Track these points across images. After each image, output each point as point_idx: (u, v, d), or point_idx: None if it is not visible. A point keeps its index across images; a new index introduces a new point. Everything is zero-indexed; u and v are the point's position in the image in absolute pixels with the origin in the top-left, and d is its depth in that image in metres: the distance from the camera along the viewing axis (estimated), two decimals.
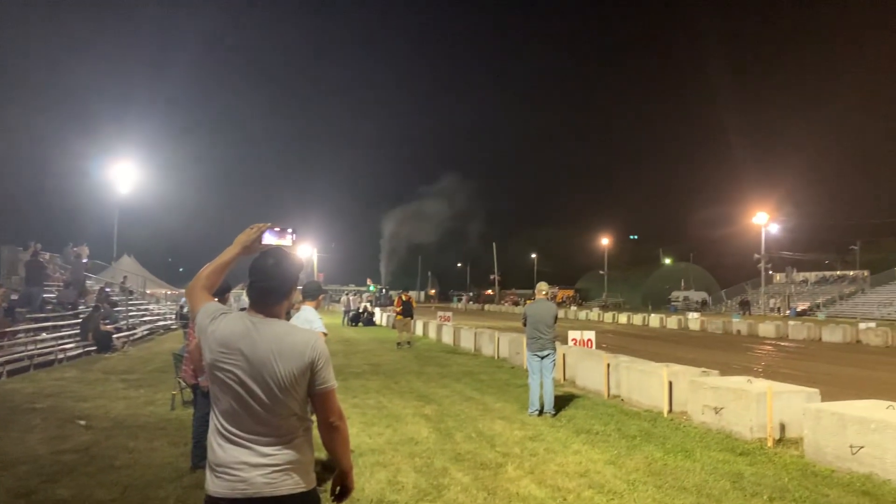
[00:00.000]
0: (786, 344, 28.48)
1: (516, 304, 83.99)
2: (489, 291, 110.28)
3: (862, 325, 30.46)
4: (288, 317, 3.09)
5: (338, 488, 2.83)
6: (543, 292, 10.51)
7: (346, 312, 37.94)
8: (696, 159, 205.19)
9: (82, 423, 8.86)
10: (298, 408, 2.64)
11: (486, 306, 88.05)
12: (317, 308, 6.30)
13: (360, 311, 38.42)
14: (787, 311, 60.46)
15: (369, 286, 71.58)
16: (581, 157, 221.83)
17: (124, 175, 32.05)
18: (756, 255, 65.36)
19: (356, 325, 35.77)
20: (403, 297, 23.57)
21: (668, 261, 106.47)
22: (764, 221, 64.57)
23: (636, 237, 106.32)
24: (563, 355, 13.67)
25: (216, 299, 2.95)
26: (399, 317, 23.12)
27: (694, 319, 41.60)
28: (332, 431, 2.71)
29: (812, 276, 77.99)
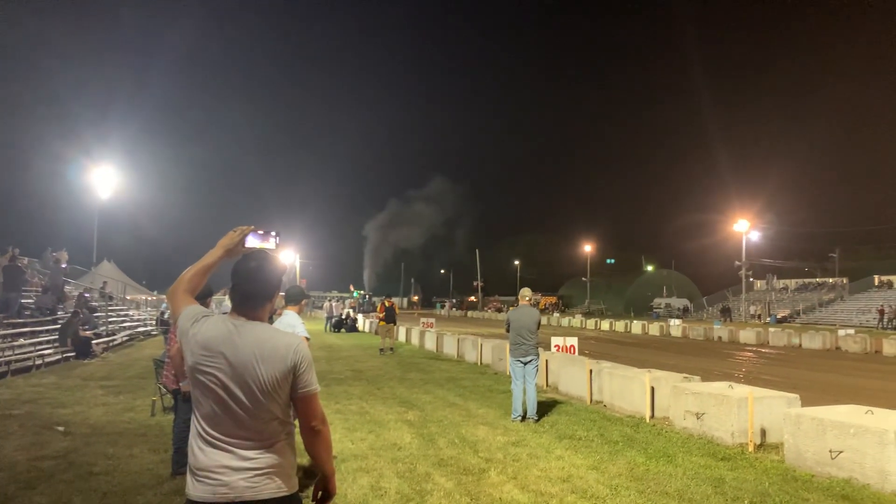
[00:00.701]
0: (766, 350, 28.72)
1: (499, 310, 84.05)
2: (472, 298, 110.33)
3: (841, 332, 30.79)
4: (270, 321, 3.08)
5: (320, 493, 2.82)
6: (527, 298, 10.54)
7: (329, 318, 37.80)
8: (678, 168, 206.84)
9: (61, 429, 8.74)
10: (281, 412, 2.62)
11: (469, 313, 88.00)
12: (299, 313, 6.28)
13: (343, 317, 38.31)
14: (768, 318, 61.03)
15: (352, 292, 71.44)
16: (564, 165, 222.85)
17: (104, 179, 31.76)
18: (737, 263, 65.91)
19: (339, 332, 35.65)
20: (386, 303, 23.50)
21: (650, 268, 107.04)
22: (745, 229, 65.20)
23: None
24: (546, 361, 13.69)
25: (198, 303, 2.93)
26: (382, 323, 23.05)
27: (676, 326, 41.85)
28: (315, 435, 2.69)
29: (792, 283, 78.91)
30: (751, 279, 73.78)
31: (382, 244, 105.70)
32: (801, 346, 30.69)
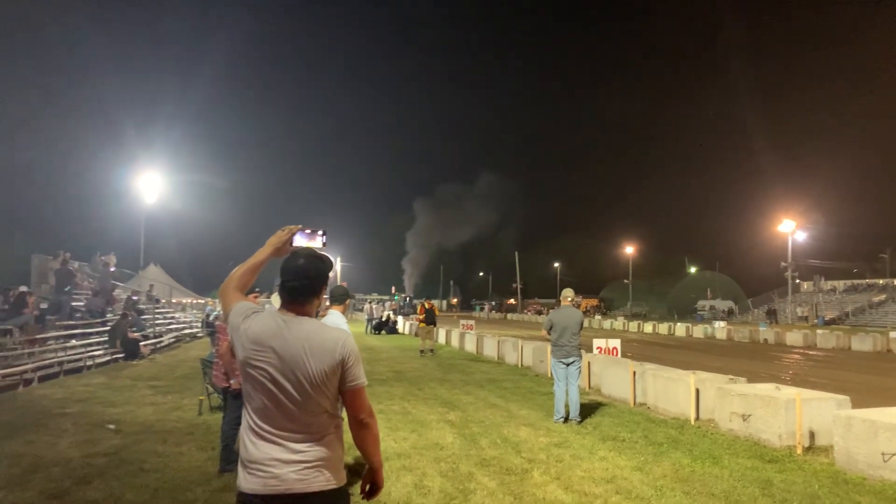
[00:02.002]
0: (814, 353, 28.08)
1: (539, 312, 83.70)
2: (511, 300, 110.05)
3: (893, 334, 29.91)
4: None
5: (367, 485, 2.86)
6: (569, 299, 10.44)
7: (370, 320, 38.09)
8: (723, 168, 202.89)
9: (112, 427, 8.97)
10: (329, 405, 2.67)
11: (509, 315, 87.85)
12: (344, 312, 6.34)
13: (384, 319, 38.59)
14: (815, 320, 59.60)
15: (393, 294, 71.84)
16: (606, 166, 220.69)
17: (150, 184, 32.47)
18: (783, 264, 64.49)
19: (379, 333, 35.89)
20: (426, 305, 23.60)
21: (693, 270, 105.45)
22: (790, 229, 63.75)
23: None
24: (589, 363, 13.60)
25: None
26: (422, 325, 23.14)
27: (720, 328, 41.17)
28: (363, 428, 2.74)
29: (840, 284, 76.89)
30: (797, 280, 72.17)
31: (424, 245, 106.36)
32: (850, 348, 29.94)
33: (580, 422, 9.69)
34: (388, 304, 56.91)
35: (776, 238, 68.57)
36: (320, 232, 3.13)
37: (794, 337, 33.66)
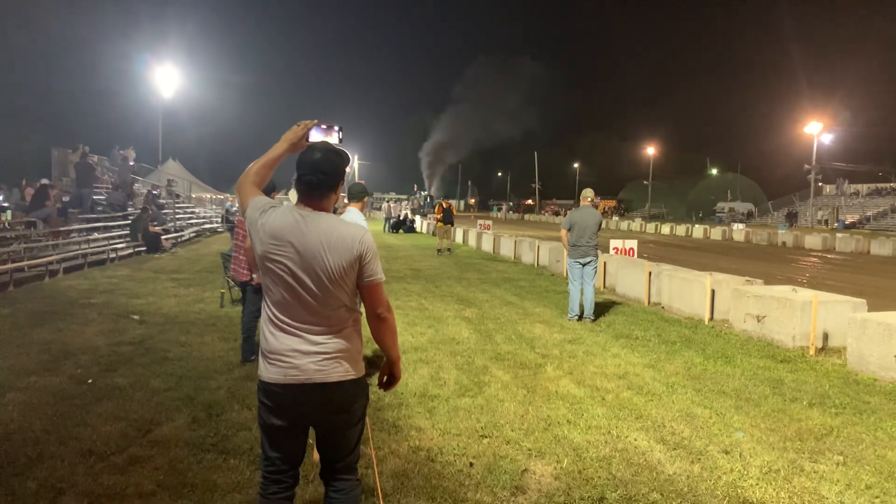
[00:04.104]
0: (832, 256, 28.00)
1: (557, 213, 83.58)
2: (529, 201, 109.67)
3: None
4: None
5: (385, 377, 2.93)
6: (589, 199, 10.35)
7: (387, 220, 38.28)
8: (748, 65, 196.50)
9: (136, 317, 9.21)
10: (348, 299, 2.69)
11: (526, 216, 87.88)
12: (362, 210, 6.34)
13: (401, 218, 38.74)
14: (835, 224, 59.08)
15: (416, 192, 71.72)
16: (628, 63, 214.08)
17: (167, 78, 32.02)
18: (806, 166, 63.22)
19: (397, 232, 36.14)
20: (444, 205, 23.62)
21: (714, 171, 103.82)
22: (817, 131, 62.15)
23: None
24: (604, 263, 13.63)
25: None
26: (439, 224, 23.22)
27: (738, 231, 41.04)
28: (381, 322, 2.77)
29: (864, 188, 75.57)
30: (820, 184, 71.05)
31: (442, 144, 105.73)
32: (869, 252, 29.80)
33: (594, 320, 9.81)
34: (405, 203, 56.88)
35: (801, 140, 67.01)
36: (336, 127, 3.07)
37: (812, 240, 33.48)
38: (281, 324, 2.67)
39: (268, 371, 2.68)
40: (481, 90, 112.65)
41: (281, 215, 2.67)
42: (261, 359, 2.73)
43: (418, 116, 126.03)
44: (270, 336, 2.68)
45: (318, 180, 2.70)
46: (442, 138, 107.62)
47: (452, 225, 23.98)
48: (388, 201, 48.14)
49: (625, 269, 12.98)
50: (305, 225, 2.63)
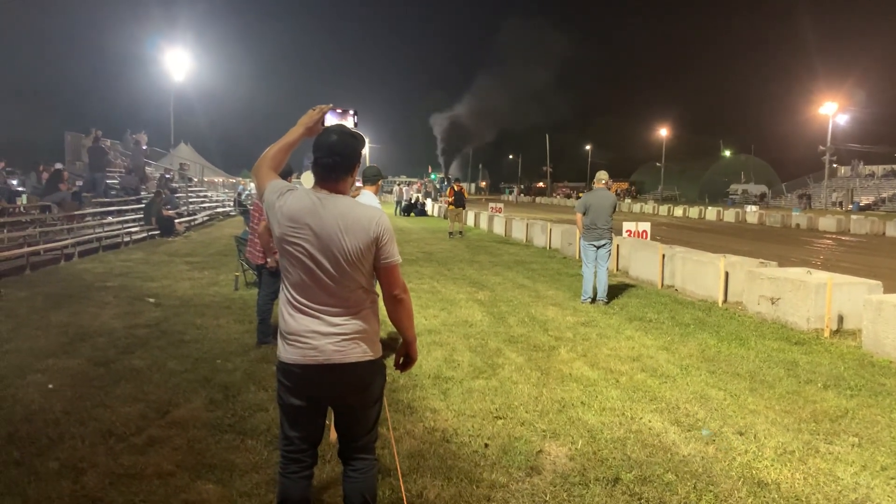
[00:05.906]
0: (847, 238, 27.78)
1: (568, 196, 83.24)
2: (541, 184, 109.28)
3: None
4: None
5: (401, 358, 2.95)
6: (603, 181, 10.32)
7: (399, 202, 38.28)
8: (762, 46, 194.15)
9: (151, 300, 9.28)
10: (365, 281, 2.71)
11: (538, 199, 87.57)
12: (376, 193, 6.35)
13: (413, 201, 38.74)
14: (850, 206, 58.55)
15: (430, 174, 71.42)
16: (641, 43, 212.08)
17: (179, 62, 32.04)
18: (821, 148, 62.66)
19: (408, 215, 36.16)
20: (455, 188, 23.59)
21: (727, 153, 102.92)
22: (832, 112, 61.49)
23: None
24: (618, 246, 13.59)
25: None
26: (451, 207, 23.21)
27: (752, 213, 40.76)
28: (397, 304, 2.80)
29: (879, 169, 74.75)
30: (835, 165, 70.38)
31: (454, 126, 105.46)
32: (884, 234, 29.56)
33: (607, 303, 9.80)
34: (415, 185, 56.75)
35: (815, 121, 66.36)
36: (351, 111, 3.09)
37: (827, 222, 33.23)
38: (299, 305, 2.69)
39: (287, 352, 2.70)
40: (497, 66, 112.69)
41: (298, 198, 2.69)
42: (280, 340, 2.75)
43: (434, 96, 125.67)
44: (289, 317, 2.71)
45: (335, 163, 2.71)
46: (462, 118, 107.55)
47: (464, 208, 23.97)
48: (399, 184, 48.05)
49: (638, 251, 12.95)
50: (323, 207, 2.65)
